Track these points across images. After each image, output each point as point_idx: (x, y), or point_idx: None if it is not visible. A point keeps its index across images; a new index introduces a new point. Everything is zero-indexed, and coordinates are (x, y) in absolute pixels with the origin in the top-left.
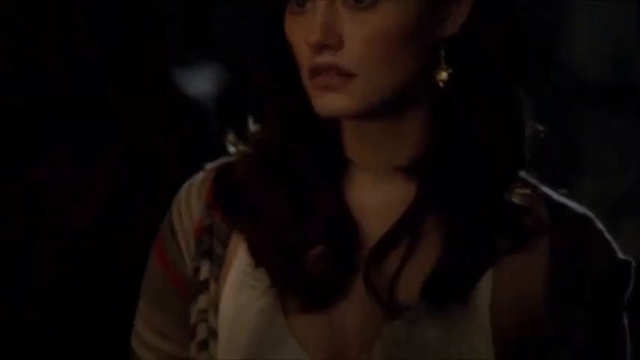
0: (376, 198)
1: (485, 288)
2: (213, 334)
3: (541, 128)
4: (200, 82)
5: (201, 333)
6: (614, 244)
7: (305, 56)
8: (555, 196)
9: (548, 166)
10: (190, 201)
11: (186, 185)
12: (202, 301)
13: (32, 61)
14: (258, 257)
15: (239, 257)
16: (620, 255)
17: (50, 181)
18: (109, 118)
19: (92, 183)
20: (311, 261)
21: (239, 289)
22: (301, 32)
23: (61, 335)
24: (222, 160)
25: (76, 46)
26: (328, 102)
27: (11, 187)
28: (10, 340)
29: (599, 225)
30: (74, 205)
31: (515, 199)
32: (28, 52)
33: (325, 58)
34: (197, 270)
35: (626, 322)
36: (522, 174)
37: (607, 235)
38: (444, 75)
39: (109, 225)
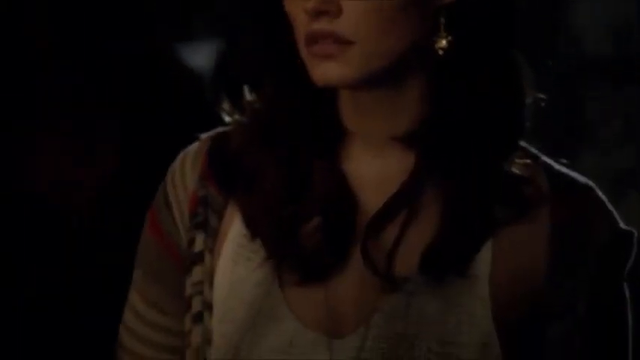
0: (374, 169)
1: (484, 260)
2: (208, 306)
3: (542, 96)
4: (200, 56)
5: (196, 306)
6: (616, 215)
7: (302, 24)
8: (556, 166)
9: (550, 139)
10: (185, 172)
11: (180, 155)
12: (197, 273)
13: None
14: (254, 229)
15: (234, 229)
16: (623, 225)
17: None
18: (107, 94)
19: (91, 159)
20: (308, 233)
21: (234, 261)
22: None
23: (59, 318)
24: (217, 130)
25: (74, 20)
26: (326, 71)
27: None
28: (6, 324)
29: (601, 195)
30: (73, 184)
31: (516, 169)
32: (26, 27)
33: (322, 24)
34: (192, 242)
35: (627, 293)
36: (523, 144)
37: (609, 205)
38: (443, 43)
39: (109, 202)
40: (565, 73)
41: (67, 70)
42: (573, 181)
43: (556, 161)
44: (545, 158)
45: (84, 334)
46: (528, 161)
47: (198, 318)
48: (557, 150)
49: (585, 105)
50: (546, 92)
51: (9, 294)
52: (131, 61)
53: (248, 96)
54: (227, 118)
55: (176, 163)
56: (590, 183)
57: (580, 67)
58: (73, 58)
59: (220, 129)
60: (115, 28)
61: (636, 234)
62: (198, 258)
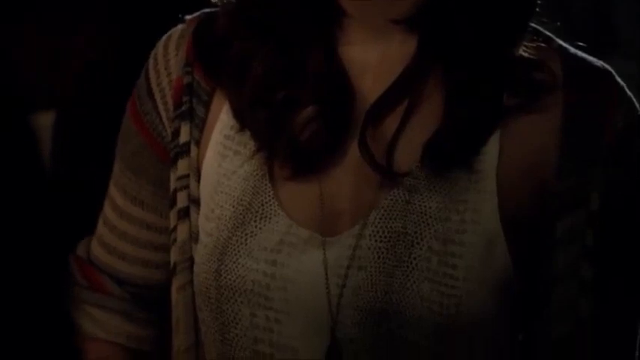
0: (373, 55)
1: (491, 151)
2: (194, 201)
3: None
4: None
5: (182, 201)
6: (635, 101)
7: None
8: (572, 49)
9: (574, 39)
10: (168, 56)
11: (163, 38)
12: (182, 166)
13: None
14: (243, 119)
15: (222, 119)
16: None
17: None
18: None
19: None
20: (300, 123)
21: (222, 154)
22: None
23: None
24: (204, 11)
25: None
26: None
27: None
28: None
29: (619, 80)
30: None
31: (526, 53)
32: None
33: None
34: (176, 132)
35: None
36: (536, 27)
37: (627, 91)
38: None
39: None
40: None
41: None
42: (589, 65)
43: (572, 45)
44: (559, 41)
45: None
46: (541, 44)
47: (184, 214)
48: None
49: (615, 10)
50: None
51: None
52: None
53: None
54: None
55: (158, 48)
56: (608, 67)
57: None
58: None
59: (207, 10)
60: None
61: None
62: (184, 150)
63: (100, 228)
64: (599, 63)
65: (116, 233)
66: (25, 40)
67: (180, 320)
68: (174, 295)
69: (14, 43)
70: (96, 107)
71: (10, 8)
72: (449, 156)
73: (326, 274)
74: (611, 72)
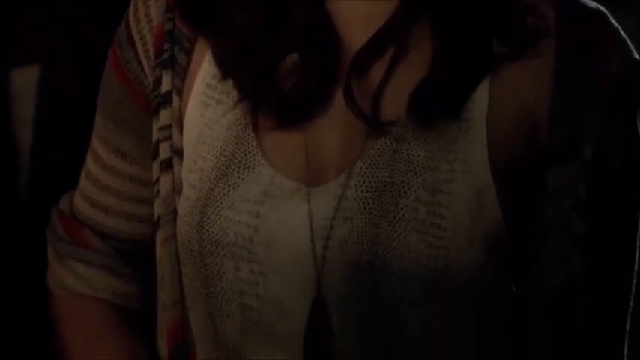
0: (360, 10)
1: (481, 100)
2: (177, 152)
3: None
4: None
5: (164, 152)
6: (629, 45)
7: None
8: None
9: None
10: (148, 2)
11: None
12: (164, 116)
13: None
14: (225, 67)
15: (204, 68)
16: (637, 56)
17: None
18: None
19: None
20: (285, 71)
21: (204, 103)
22: None
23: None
24: None
25: None
26: None
27: None
28: None
29: (614, 22)
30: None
31: None
32: None
33: None
34: (157, 82)
35: None
36: None
37: (622, 34)
38: None
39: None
40: None
41: None
42: (583, 7)
43: None
44: None
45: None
46: None
47: (167, 165)
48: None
49: None
50: None
51: None
52: None
53: None
54: None
55: None
56: (602, 9)
57: None
58: None
59: None
60: None
61: None
62: (165, 100)
63: (83, 181)
64: (592, 5)
65: (99, 186)
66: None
67: (165, 275)
68: (159, 248)
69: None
70: (82, 61)
71: None
72: (436, 105)
73: (311, 226)
74: (605, 14)
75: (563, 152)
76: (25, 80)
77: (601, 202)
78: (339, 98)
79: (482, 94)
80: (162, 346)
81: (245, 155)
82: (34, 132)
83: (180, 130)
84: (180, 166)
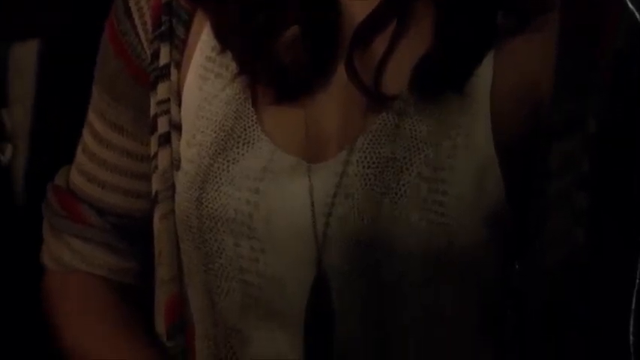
0: None
1: (485, 73)
2: (175, 127)
3: None
4: None
5: (162, 126)
6: (638, 15)
7: None
8: None
9: None
10: None
11: None
12: (162, 90)
13: None
14: (224, 40)
15: (203, 40)
16: None
17: None
18: None
19: None
20: (285, 44)
21: (203, 77)
22: None
23: None
24: None
25: None
26: None
27: None
28: None
29: None
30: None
31: None
32: None
33: None
34: (155, 54)
35: None
36: None
37: (630, 6)
38: None
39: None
40: None
41: None
42: None
43: None
44: None
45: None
46: None
47: (165, 140)
48: None
49: None
50: None
51: None
52: None
53: None
54: None
55: None
56: None
57: None
58: None
59: None
60: None
61: None
62: (164, 73)
63: (79, 156)
64: None
65: (95, 161)
66: None
67: (163, 251)
68: (157, 224)
69: None
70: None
71: None
72: (439, 79)
73: (312, 203)
74: None
75: (566, 126)
76: (25, 55)
77: (605, 177)
78: (340, 72)
79: (486, 68)
80: (160, 323)
81: (245, 130)
82: (33, 108)
83: (179, 104)
84: (179, 140)
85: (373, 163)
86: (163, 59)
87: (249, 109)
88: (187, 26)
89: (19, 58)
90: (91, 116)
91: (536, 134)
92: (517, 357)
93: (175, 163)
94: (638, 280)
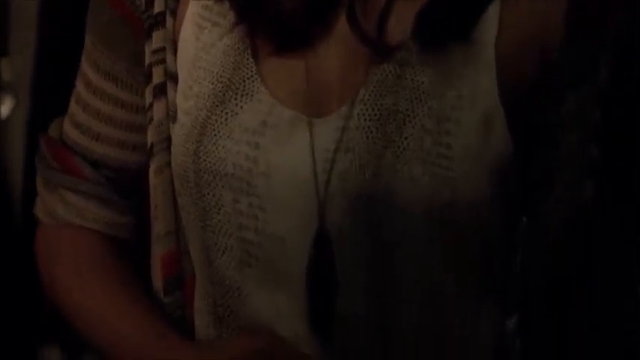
0: None
1: (490, 20)
2: (171, 77)
3: None
4: None
5: (158, 76)
6: None
7: None
8: None
9: None
10: None
11: None
12: (157, 38)
13: None
14: None
15: None
16: None
17: None
18: None
19: None
20: None
21: (199, 25)
22: None
23: None
24: None
25: None
26: None
27: None
28: None
29: None
30: None
31: None
32: None
33: None
34: (150, 1)
35: None
36: None
37: None
38: None
39: None
40: None
41: None
42: None
43: None
44: None
45: None
46: None
47: (160, 90)
48: None
49: None
50: None
51: None
52: None
53: None
54: None
55: None
56: None
57: None
58: None
59: None
60: None
61: None
62: (158, 21)
63: (73, 106)
64: None
65: (89, 112)
66: None
67: (159, 205)
68: (152, 178)
69: None
70: None
71: None
72: (443, 27)
73: (313, 159)
74: None
75: (577, 77)
76: (26, 2)
77: (617, 128)
78: (341, 23)
79: (491, 15)
80: (157, 278)
81: (243, 81)
82: (35, 57)
83: (175, 54)
84: (175, 91)
85: (375, 115)
86: (158, 6)
87: (248, 59)
88: None
89: (20, 6)
90: (84, 65)
91: (546, 85)
92: (522, 316)
93: (171, 115)
94: None
